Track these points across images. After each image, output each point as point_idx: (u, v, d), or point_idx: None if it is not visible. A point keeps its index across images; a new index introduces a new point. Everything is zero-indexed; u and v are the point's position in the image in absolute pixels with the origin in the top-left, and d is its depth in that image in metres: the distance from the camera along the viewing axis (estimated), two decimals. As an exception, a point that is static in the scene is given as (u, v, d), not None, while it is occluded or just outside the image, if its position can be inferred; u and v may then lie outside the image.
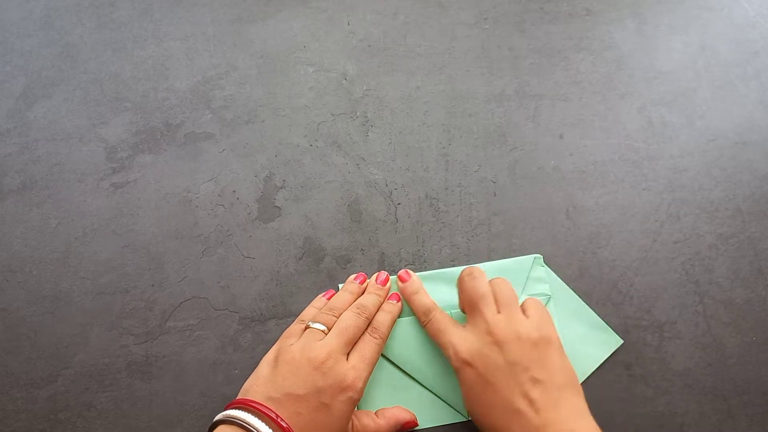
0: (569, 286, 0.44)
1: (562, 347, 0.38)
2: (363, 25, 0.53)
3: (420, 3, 0.54)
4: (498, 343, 0.37)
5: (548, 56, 0.52)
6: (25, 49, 0.53)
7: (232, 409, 0.36)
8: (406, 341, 0.43)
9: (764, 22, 0.52)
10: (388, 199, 0.48)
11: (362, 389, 0.38)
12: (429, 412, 0.41)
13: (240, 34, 0.53)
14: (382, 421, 0.40)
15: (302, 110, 0.51)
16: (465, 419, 0.41)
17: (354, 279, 0.44)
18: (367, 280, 0.45)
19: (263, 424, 0.35)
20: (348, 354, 0.39)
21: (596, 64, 0.51)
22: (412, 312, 0.43)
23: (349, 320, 0.40)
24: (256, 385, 0.38)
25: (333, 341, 0.39)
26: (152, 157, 0.49)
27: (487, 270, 0.45)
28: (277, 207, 0.47)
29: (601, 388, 0.42)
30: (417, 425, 0.41)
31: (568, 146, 0.49)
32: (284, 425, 0.35)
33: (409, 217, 0.47)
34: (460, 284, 0.42)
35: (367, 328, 0.41)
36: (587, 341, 0.43)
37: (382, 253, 0.46)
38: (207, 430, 0.36)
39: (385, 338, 0.41)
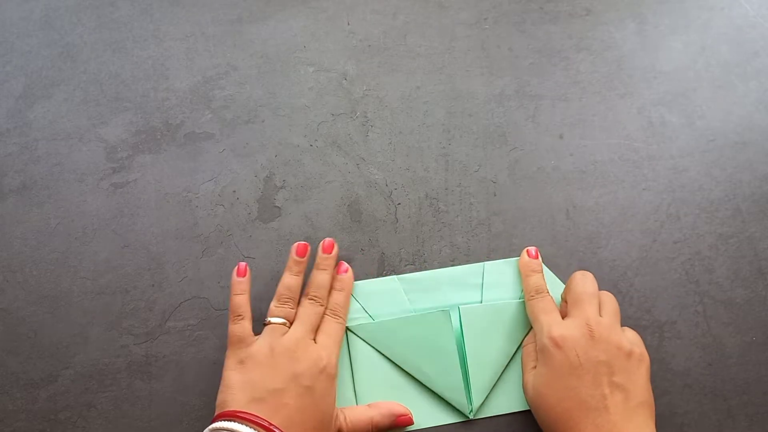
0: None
1: (650, 372, 0.38)
2: (363, 25, 0.53)
3: (420, 3, 0.54)
4: (594, 338, 0.38)
5: (548, 56, 0.52)
6: (25, 49, 0.53)
7: (220, 420, 0.36)
8: (406, 341, 0.43)
9: (764, 22, 0.52)
10: (388, 199, 0.48)
11: (336, 365, 0.40)
12: (428, 411, 0.41)
13: (240, 34, 0.53)
14: (373, 411, 0.40)
15: (302, 110, 0.51)
16: (464, 419, 0.41)
17: (296, 255, 0.43)
18: (308, 251, 0.43)
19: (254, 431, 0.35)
20: (315, 338, 0.40)
21: (596, 64, 0.51)
22: (523, 287, 0.43)
23: (308, 310, 0.41)
24: (233, 394, 0.37)
25: (298, 330, 0.40)
26: (152, 157, 0.49)
27: (487, 269, 0.45)
28: (277, 207, 0.47)
29: (601, 388, 0.42)
30: (412, 422, 0.41)
31: (568, 146, 0.49)
32: (275, 430, 0.35)
33: (409, 217, 0.47)
34: (570, 283, 0.42)
35: (326, 307, 0.42)
36: None
37: (382, 253, 0.46)
38: None
39: (345, 316, 0.43)
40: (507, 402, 0.42)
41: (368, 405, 0.41)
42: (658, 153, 0.48)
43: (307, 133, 0.50)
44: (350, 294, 0.44)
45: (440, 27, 0.53)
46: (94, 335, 0.44)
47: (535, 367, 0.40)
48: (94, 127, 0.50)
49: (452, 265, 0.45)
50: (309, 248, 0.43)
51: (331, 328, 0.41)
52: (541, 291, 0.42)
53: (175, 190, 0.48)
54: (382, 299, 0.44)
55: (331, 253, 0.44)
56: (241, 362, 0.39)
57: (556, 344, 0.38)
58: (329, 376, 0.38)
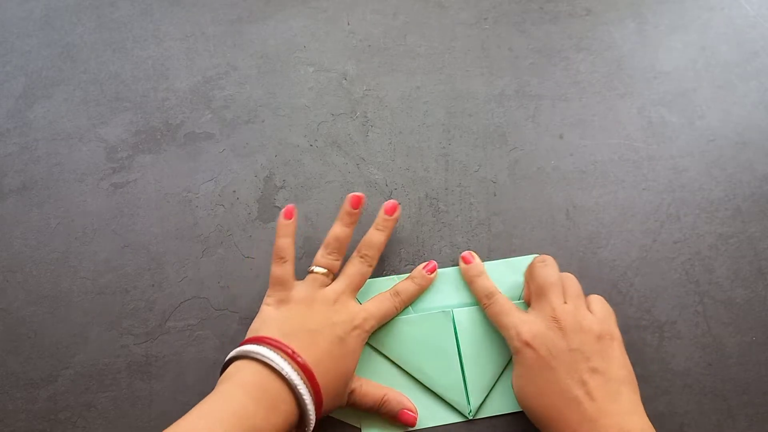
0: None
1: (623, 345, 0.38)
2: (363, 25, 0.53)
3: (420, 3, 0.54)
4: (562, 329, 0.37)
5: (548, 56, 0.52)
6: (25, 49, 0.53)
7: (250, 344, 0.36)
8: (406, 340, 0.43)
9: (764, 22, 0.52)
10: (388, 199, 0.48)
11: (369, 331, 0.40)
12: (429, 411, 0.41)
13: (240, 34, 0.53)
14: (388, 391, 0.40)
15: (302, 110, 0.51)
16: (464, 419, 0.41)
17: (350, 206, 0.42)
18: (362, 203, 0.42)
19: (279, 357, 0.35)
20: (363, 303, 0.41)
21: (596, 64, 0.51)
22: (473, 294, 0.43)
23: (354, 268, 0.41)
24: (267, 325, 0.38)
25: (340, 286, 0.40)
26: (152, 157, 0.49)
27: (487, 269, 0.45)
28: (277, 207, 0.47)
29: (601, 388, 0.42)
30: (414, 424, 0.41)
31: (568, 146, 0.49)
32: (300, 361, 0.35)
33: (409, 217, 0.47)
34: (531, 270, 0.41)
35: (373, 267, 0.42)
36: None
37: (382, 253, 0.46)
38: (221, 368, 0.37)
39: (406, 305, 0.43)
40: (507, 402, 0.42)
41: (385, 386, 0.41)
42: (658, 153, 0.48)
43: (307, 133, 0.50)
44: (422, 292, 0.44)
45: (440, 27, 0.53)
46: (94, 335, 0.44)
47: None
48: (94, 127, 0.50)
49: (452, 265, 0.45)
50: (363, 200, 0.43)
51: (384, 305, 0.41)
52: (491, 295, 0.42)
53: (175, 190, 0.48)
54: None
55: (392, 215, 0.43)
56: (280, 301, 0.39)
57: (527, 344, 0.38)
58: (360, 337, 0.39)
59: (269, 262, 0.45)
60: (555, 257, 0.45)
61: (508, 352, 0.42)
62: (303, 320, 0.38)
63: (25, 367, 0.43)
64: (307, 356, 0.36)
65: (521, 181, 0.48)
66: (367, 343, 0.43)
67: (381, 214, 0.43)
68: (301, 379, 0.35)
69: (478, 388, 0.41)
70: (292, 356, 0.35)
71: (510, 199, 0.47)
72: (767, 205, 0.47)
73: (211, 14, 0.54)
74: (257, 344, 0.36)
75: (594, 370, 0.36)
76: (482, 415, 0.41)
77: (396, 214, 0.43)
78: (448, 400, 0.41)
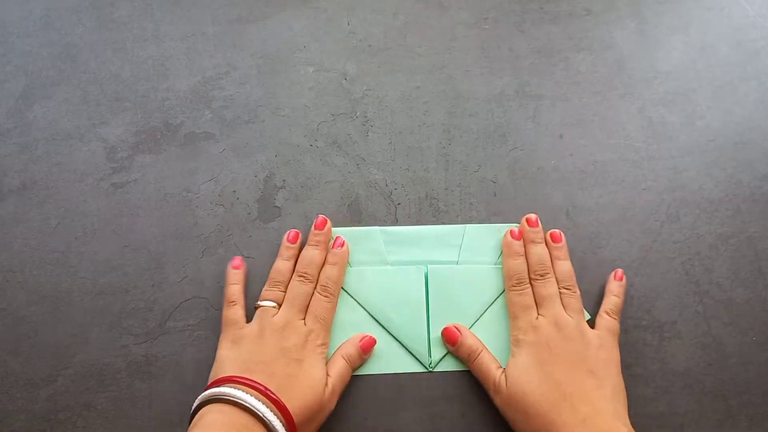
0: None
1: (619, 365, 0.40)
2: (363, 25, 0.53)
3: (420, 3, 0.54)
4: (561, 333, 0.40)
5: (548, 56, 0.52)
6: (25, 49, 0.53)
7: (214, 387, 0.36)
8: (379, 289, 0.44)
9: (764, 22, 0.52)
10: (388, 199, 0.48)
11: (325, 344, 0.41)
12: (390, 359, 0.43)
13: (240, 34, 0.53)
14: (340, 350, 0.41)
15: (302, 110, 0.51)
16: (425, 370, 0.42)
17: (287, 241, 0.44)
18: (299, 238, 0.45)
19: (244, 393, 0.35)
20: (304, 318, 0.41)
21: (596, 64, 0.51)
22: (456, 355, 0.43)
23: (296, 290, 0.42)
24: (224, 367, 0.38)
25: (286, 312, 0.41)
26: (152, 157, 0.49)
27: (468, 232, 0.46)
28: (277, 207, 0.47)
29: (601, 388, 0.42)
30: (374, 341, 0.42)
31: (568, 146, 0.49)
32: (272, 396, 0.36)
33: (409, 217, 0.47)
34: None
35: (316, 284, 0.42)
36: None
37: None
38: (189, 418, 0.36)
39: (337, 292, 0.43)
40: None
41: (337, 351, 0.42)
42: (658, 153, 0.48)
43: (307, 133, 0.50)
44: (344, 269, 0.44)
45: (440, 27, 0.53)
46: (94, 335, 0.44)
47: (499, 367, 0.40)
48: (94, 127, 0.50)
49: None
50: (300, 236, 0.45)
51: (318, 307, 0.42)
52: (475, 352, 0.41)
53: (175, 190, 0.48)
54: (361, 247, 0.45)
55: (323, 229, 0.44)
56: (233, 342, 0.40)
57: (531, 340, 0.39)
58: (316, 352, 0.40)
59: (269, 262, 0.46)
60: (555, 257, 0.45)
61: (474, 313, 0.43)
62: (256, 354, 0.39)
63: (25, 367, 0.43)
64: (269, 387, 0.36)
65: (521, 181, 0.48)
66: (343, 289, 0.44)
67: (311, 229, 0.44)
68: (271, 411, 0.35)
69: (441, 342, 0.43)
70: (258, 389, 0.36)
71: (510, 199, 0.47)
72: (767, 205, 0.47)
73: (211, 14, 0.54)
74: (220, 386, 0.36)
75: (591, 372, 0.37)
76: (441, 368, 0.42)
77: (326, 228, 0.44)
78: (411, 350, 0.43)
